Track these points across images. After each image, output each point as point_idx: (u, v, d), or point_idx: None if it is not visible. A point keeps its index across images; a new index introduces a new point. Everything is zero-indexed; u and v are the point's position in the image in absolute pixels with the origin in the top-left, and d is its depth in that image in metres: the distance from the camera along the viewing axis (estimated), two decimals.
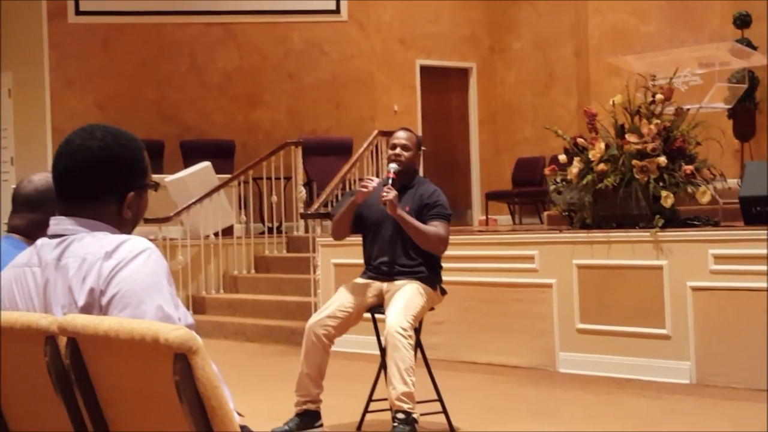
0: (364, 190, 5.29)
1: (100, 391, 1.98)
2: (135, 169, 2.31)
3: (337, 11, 13.63)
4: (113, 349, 1.89)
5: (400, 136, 5.45)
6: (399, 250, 5.29)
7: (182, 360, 1.76)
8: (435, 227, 5.23)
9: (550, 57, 13.87)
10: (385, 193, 5.17)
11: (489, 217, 13.15)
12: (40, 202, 3.13)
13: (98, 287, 2.12)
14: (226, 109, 13.35)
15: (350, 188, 10.21)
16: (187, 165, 11.81)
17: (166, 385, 1.79)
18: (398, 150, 5.40)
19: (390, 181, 5.27)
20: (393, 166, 5.38)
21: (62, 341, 2.00)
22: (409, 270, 5.25)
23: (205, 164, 11.13)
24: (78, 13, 13.03)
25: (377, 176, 8.00)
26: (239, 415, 2.27)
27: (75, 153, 2.26)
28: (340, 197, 9.53)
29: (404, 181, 5.39)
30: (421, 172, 12.26)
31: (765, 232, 6.16)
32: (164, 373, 1.78)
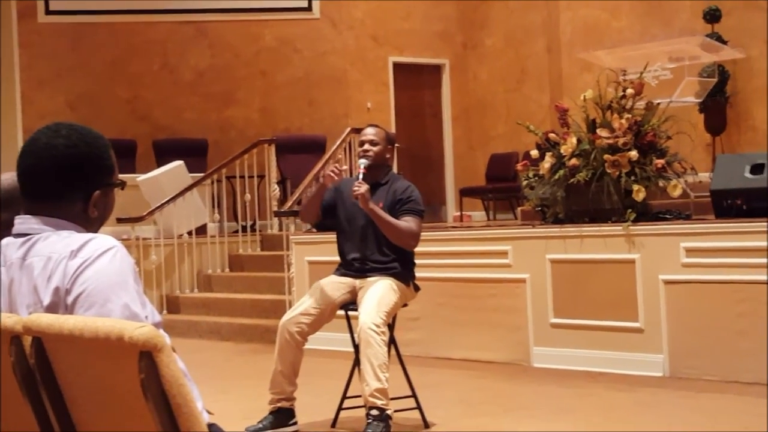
0: (332, 174, 5.25)
1: (65, 391, 1.96)
2: (101, 167, 2.29)
3: (309, 9, 13.61)
4: (78, 348, 1.87)
5: (368, 132, 5.45)
6: (372, 247, 5.29)
7: (147, 358, 1.75)
8: (407, 222, 5.23)
9: (522, 53, 13.90)
10: (356, 188, 5.17)
11: (463, 213, 13.18)
12: (7, 202, 3.11)
13: (63, 286, 2.11)
14: (198, 108, 13.31)
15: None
16: (159, 164, 11.76)
17: (131, 383, 1.78)
18: (366, 146, 5.40)
19: (361, 176, 5.27)
20: (363, 161, 5.37)
21: (27, 341, 1.98)
22: (382, 266, 5.24)
23: (178, 163, 11.09)
24: (48, 12, 12.96)
25: (350, 175, 7.99)
26: (208, 413, 2.26)
27: (40, 151, 2.24)
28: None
29: (376, 177, 5.38)
30: (395, 169, 12.33)
31: (738, 224, 6.19)
32: (129, 371, 1.77)
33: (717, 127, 11.21)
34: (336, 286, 5.33)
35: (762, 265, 6.03)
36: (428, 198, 14.17)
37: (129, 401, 1.81)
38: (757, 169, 6.34)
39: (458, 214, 13.39)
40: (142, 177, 10.73)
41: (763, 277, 6.02)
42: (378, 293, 5.08)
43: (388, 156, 5.47)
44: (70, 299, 2.09)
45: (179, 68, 13.38)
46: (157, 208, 10.33)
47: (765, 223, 6.05)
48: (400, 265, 5.27)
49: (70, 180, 2.24)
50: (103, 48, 13.07)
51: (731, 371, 6.14)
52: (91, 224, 2.28)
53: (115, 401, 1.86)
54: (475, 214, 13.56)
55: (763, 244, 6.03)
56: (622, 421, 5.38)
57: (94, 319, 1.88)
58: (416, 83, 14.45)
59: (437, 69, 14.55)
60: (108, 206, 2.33)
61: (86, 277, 2.09)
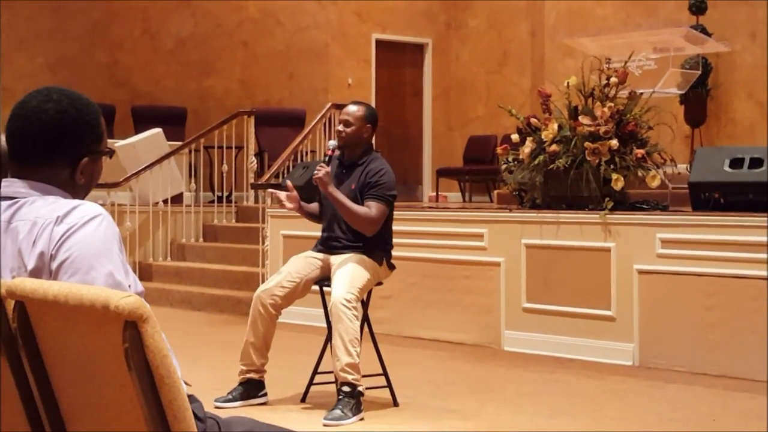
0: (278, 197, 5.29)
1: (47, 357, 1.95)
2: (90, 134, 2.27)
3: None
4: (62, 314, 1.86)
5: (345, 111, 5.39)
6: (344, 225, 5.27)
7: (132, 328, 1.74)
8: (368, 208, 5.18)
9: (505, 35, 13.90)
10: (317, 171, 5.15)
11: (439, 193, 13.19)
12: None
13: (48, 251, 2.09)
14: (178, 76, 13.24)
15: (302, 159, 10.17)
16: (138, 131, 11.71)
17: (114, 352, 1.77)
18: (340, 126, 5.36)
19: (328, 159, 5.25)
20: (332, 143, 5.36)
21: (10, 305, 1.96)
22: (354, 244, 5.24)
23: (156, 131, 11.04)
24: None
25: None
26: (186, 384, 2.25)
27: (30, 115, 2.22)
28: (291, 168, 9.51)
29: (353, 157, 5.35)
30: (373, 147, 12.29)
31: (714, 218, 6.23)
32: (113, 340, 1.76)
33: (697, 119, 11.27)
34: (311, 261, 5.33)
35: (734, 258, 6.08)
36: (404, 177, 14.19)
37: (111, 370, 1.80)
38: (736, 163, 6.38)
39: (434, 194, 13.41)
40: (119, 143, 10.67)
41: (734, 271, 6.06)
42: (350, 270, 5.09)
43: (365, 136, 5.39)
44: (54, 265, 2.08)
45: (160, 35, 13.29)
46: (134, 174, 10.29)
47: (741, 218, 6.09)
48: (373, 243, 5.26)
49: (58, 145, 2.22)
50: (84, 11, 12.95)
51: (700, 363, 6.20)
52: (78, 191, 2.26)
53: (97, 370, 1.85)
54: (451, 195, 13.57)
55: (738, 238, 6.07)
56: (587, 407, 5.41)
57: (79, 287, 1.87)
58: (398, 61, 14.42)
59: (419, 48, 14.52)
60: (95, 174, 2.31)
61: (71, 244, 2.08)
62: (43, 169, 2.22)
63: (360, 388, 4.97)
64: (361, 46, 13.91)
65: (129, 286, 2.15)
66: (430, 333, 7.56)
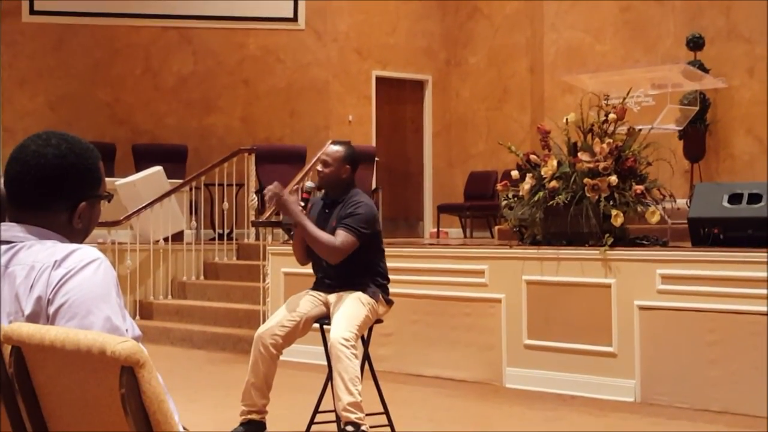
0: (272, 190, 5.24)
1: (44, 402, 1.95)
2: (88, 178, 2.28)
3: (295, 19, 13.62)
4: (59, 359, 1.86)
5: (324, 151, 5.40)
6: (336, 266, 5.26)
7: (129, 373, 1.75)
8: (335, 236, 5.17)
9: (505, 72, 13.96)
10: (268, 190, 5.16)
11: (440, 229, 13.18)
12: None
13: (46, 296, 2.09)
14: (179, 114, 13.29)
15: (301, 197, 10.16)
16: (138, 169, 11.74)
17: (111, 397, 1.77)
18: (319, 166, 5.37)
19: (305, 202, 5.25)
20: (309, 184, 5.35)
21: (7, 350, 1.97)
22: (349, 282, 5.23)
23: (157, 169, 11.06)
24: (32, 12, 12.92)
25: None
26: (185, 429, 2.25)
27: (29, 159, 2.23)
28: None
29: (335, 195, 5.36)
30: (374, 183, 12.34)
31: (714, 253, 6.23)
32: (110, 385, 1.77)
33: (696, 154, 11.29)
34: (310, 299, 5.33)
35: (734, 294, 6.07)
36: (406, 213, 14.22)
37: (108, 415, 1.80)
38: (735, 198, 6.39)
39: (435, 230, 13.40)
40: (120, 181, 10.70)
41: (735, 307, 6.05)
42: (347, 308, 5.08)
43: (344, 176, 5.36)
44: (51, 309, 2.08)
45: (161, 73, 13.36)
46: (134, 212, 10.30)
47: (740, 253, 6.09)
48: (368, 279, 5.26)
49: (56, 190, 2.23)
50: (86, 50, 13.03)
51: (702, 400, 6.17)
52: (76, 235, 2.27)
53: (94, 415, 1.85)
54: (452, 231, 13.57)
55: (737, 273, 6.06)
56: None
57: (76, 331, 1.87)
58: (398, 98, 14.48)
59: (420, 85, 14.58)
60: (93, 218, 2.32)
61: (69, 288, 2.08)
62: (41, 213, 2.23)
63: (364, 427, 4.95)
64: (361, 83, 13.98)
65: (126, 330, 2.15)
66: (432, 370, 7.54)
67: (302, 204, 5.26)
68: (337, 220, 5.25)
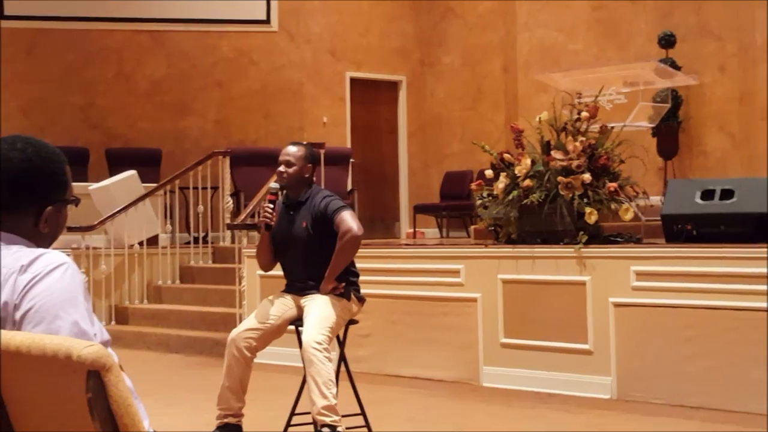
0: (266, 221, 5.26)
1: (10, 407, 1.93)
2: (55, 182, 2.27)
3: (268, 21, 13.60)
4: (25, 365, 1.85)
5: (285, 152, 5.37)
6: (307, 268, 5.25)
7: (95, 377, 1.73)
8: (339, 222, 5.14)
9: (479, 72, 13.99)
10: (268, 214, 5.16)
11: (417, 230, 13.19)
12: None
13: (12, 301, 2.07)
14: (153, 117, 13.24)
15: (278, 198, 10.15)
16: (112, 173, 11.68)
17: (78, 402, 1.75)
18: (282, 167, 5.35)
19: (273, 204, 5.25)
20: (273, 185, 5.34)
21: None
22: (319, 284, 5.21)
23: (131, 173, 11.01)
24: (3, 17, 12.84)
25: None
26: None
27: None
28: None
29: (297, 195, 5.35)
30: (349, 185, 12.34)
31: (687, 249, 6.26)
32: (77, 390, 1.75)
33: (669, 151, 11.36)
34: (283, 302, 5.31)
35: (708, 290, 6.09)
36: (382, 214, 14.21)
37: (75, 420, 1.79)
38: (707, 194, 6.42)
39: (411, 230, 13.41)
40: (93, 186, 10.64)
41: (709, 302, 6.08)
42: (318, 311, 5.07)
43: (306, 175, 5.36)
44: (18, 315, 2.06)
45: (135, 77, 13.31)
46: (109, 217, 10.25)
47: (713, 249, 6.12)
48: (340, 278, 5.24)
49: (22, 194, 2.21)
50: (58, 54, 12.96)
51: (678, 395, 6.20)
52: (42, 240, 2.25)
53: (61, 420, 1.83)
54: (429, 231, 13.58)
55: (711, 269, 6.09)
56: None
57: (42, 336, 1.85)
58: (373, 99, 14.48)
59: (394, 85, 14.59)
60: (60, 223, 2.30)
61: (36, 293, 2.06)
62: (7, 217, 2.21)
63: (339, 429, 4.94)
64: (335, 85, 13.98)
65: (95, 334, 2.13)
66: (410, 371, 7.54)
67: (270, 206, 5.25)
68: (310, 223, 5.24)
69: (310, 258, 5.26)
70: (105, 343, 2.05)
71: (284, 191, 5.43)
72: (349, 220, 5.17)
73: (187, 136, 13.27)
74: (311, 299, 5.18)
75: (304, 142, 5.62)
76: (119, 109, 13.16)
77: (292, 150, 5.36)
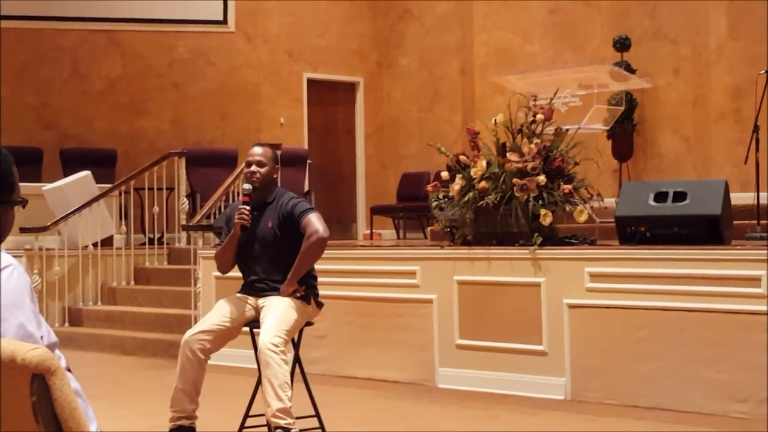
0: (243, 221, 5.23)
1: None
2: (1, 183, 2.24)
3: (225, 22, 13.54)
4: None
5: (255, 153, 5.36)
6: (267, 268, 5.24)
7: (40, 381, 1.71)
8: (306, 225, 5.15)
9: (436, 73, 14.02)
10: (245, 215, 5.16)
11: (374, 231, 13.19)
12: None
13: None
14: (108, 117, 13.13)
15: (234, 200, 10.12)
16: (66, 173, 11.57)
17: (23, 405, 1.73)
18: (254, 167, 5.32)
19: (247, 205, 5.23)
20: (247, 186, 5.31)
21: None
22: (279, 285, 5.20)
23: (85, 173, 10.91)
24: None
25: None
26: None
27: None
28: (223, 209, 9.46)
29: (264, 196, 5.34)
30: (306, 186, 12.33)
31: (640, 251, 6.31)
32: (21, 393, 1.73)
33: (624, 153, 11.44)
34: (240, 303, 5.29)
35: (661, 291, 6.15)
36: (339, 215, 14.20)
37: (20, 424, 1.76)
38: (660, 197, 6.47)
39: (368, 231, 13.41)
40: (47, 186, 10.54)
41: (662, 303, 6.13)
42: (277, 313, 5.04)
43: (275, 176, 5.39)
44: None
45: (90, 76, 13.19)
46: (62, 218, 10.15)
47: (666, 250, 6.18)
48: (299, 283, 5.24)
49: None
50: (12, 54, 12.82)
51: (630, 396, 6.24)
52: None
53: (5, 423, 1.81)
54: (386, 233, 13.59)
55: (663, 270, 6.14)
56: None
57: None
58: (330, 100, 14.47)
59: (351, 86, 14.59)
60: (7, 224, 2.27)
61: None
62: None
63: (294, 431, 4.93)
64: (293, 85, 13.95)
65: (42, 337, 2.11)
66: (366, 372, 7.54)
67: (247, 208, 5.22)
68: (275, 223, 5.22)
69: (273, 259, 5.24)
70: (52, 346, 2.04)
71: (243, 192, 5.40)
72: (315, 222, 5.18)
73: (142, 136, 13.18)
74: (270, 300, 5.16)
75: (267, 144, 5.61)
76: (74, 109, 13.04)
77: (264, 150, 5.37)
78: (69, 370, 2.12)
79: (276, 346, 4.89)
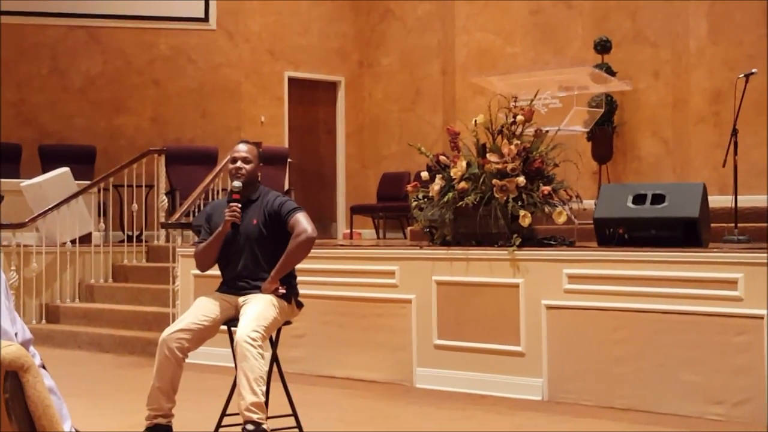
0: (235, 219, 5.22)
1: None
2: None
3: (206, 19, 13.51)
4: None
5: (241, 149, 5.37)
6: (250, 266, 5.23)
7: (13, 378, 1.71)
8: (298, 227, 5.15)
9: (417, 74, 14.03)
10: (237, 212, 5.15)
11: (353, 230, 13.19)
12: None
13: None
14: (88, 114, 13.07)
15: (213, 198, 10.10)
16: (45, 170, 11.51)
17: None
18: (239, 164, 5.33)
19: (237, 203, 5.22)
20: (237, 184, 5.30)
21: None
22: (261, 284, 5.20)
23: (64, 170, 10.86)
24: None
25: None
26: None
27: None
28: (202, 207, 9.43)
29: (248, 194, 5.34)
30: (286, 185, 12.31)
31: (618, 253, 6.33)
32: None
33: (604, 155, 11.49)
34: (219, 302, 5.27)
35: (638, 293, 6.17)
36: (319, 214, 14.18)
37: None
38: (639, 199, 6.49)
39: (348, 231, 13.41)
40: (25, 182, 10.49)
41: (640, 305, 6.15)
42: (256, 309, 5.04)
43: (259, 173, 5.41)
44: None
45: (69, 73, 13.13)
46: (40, 214, 10.11)
47: (644, 253, 6.20)
48: (283, 280, 5.23)
49: None
50: None
51: (607, 397, 6.26)
52: None
53: None
54: (366, 232, 13.59)
55: (641, 272, 6.16)
56: None
57: None
58: (311, 99, 14.46)
59: (332, 86, 14.58)
60: None
61: None
62: None
63: (264, 426, 4.91)
64: (274, 84, 13.93)
65: (16, 334, 2.10)
66: (344, 372, 7.53)
67: (238, 205, 5.21)
68: (261, 221, 5.22)
69: (257, 257, 5.23)
70: (27, 342, 2.03)
71: (232, 190, 5.38)
72: (304, 222, 5.18)
73: (122, 133, 13.13)
74: (250, 298, 5.15)
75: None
76: (53, 106, 12.98)
77: (249, 147, 5.39)
78: (43, 367, 2.11)
79: (254, 340, 4.87)
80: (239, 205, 5.23)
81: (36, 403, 1.71)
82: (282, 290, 5.16)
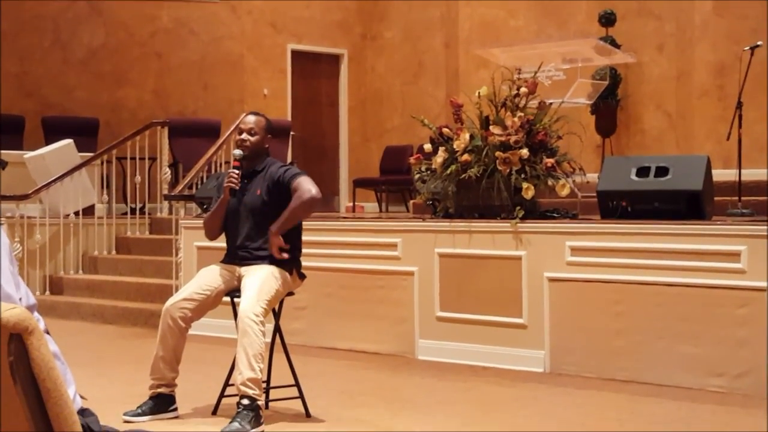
0: (232, 185, 5.23)
1: None
2: None
3: None
4: None
5: (247, 121, 5.39)
6: (253, 236, 5.25)
7: (17, 340, 1.71)
8: (300, 189, 5.16)
9: (420, 47, 13.99)
10: (234, 178, 5.16)
11: (356, 204, 13.20)
12: None
13: None
14: (90, 87, 13.05)
15: (216, 170, 10.10)
16: (48, 142, 11.50)
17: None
18: (244, 135, 5.34)
19: (237, 170, 5.23)
20: (237, 152, 5.32)
21: None
22: (264, 254, 5.21)
23: (67, 142, 10.86)
24: None
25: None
26: (82, 398, 2.22)
27: None
28: (205, 179, 9.44)
29: (254, 164, 5.35)
30: (289, 158, 12.29)
31: (621, 226, 6.33)
32: None
33: (607, 128, 11.46)
34: (221, 272, 5.29)
35: (641, 266, 6.17)
36: (322, 187, 14.12)
37: None
38: (642, 172, 6.48)
39: (351, 204, 13.41)
40: (29, 154, 10.49)
41: (641, 278, 6.16)
42: (259, 281, 5.05)
43: (266, 145, 5.41)
44: None
45: (71, 45, 13.09)
46: (44, 186, 10.11)
47: (647, 225, 6.20)
48: (288, 245, 5.23)
49: None
50: None
51: (608, 369, 6.28)
52: None
53: None
54: (368, 206, 13.59)
55: (644, 245, 6.17)
56: (499, 415, 5.45)
57: None
58: (314, 72, 14.42)
59: (335, 59, 14.54)
60: None
61: None
62: None
63: (259, 402, 4.92)
64: (276, 57, 13.89)
65: (20, 299, 2.10)
66: (346, 343, 7.55)
67: (236, 171, 5.23)
68: (264, 191, 5.23)
69: (259, 226, 5.24)
70: (31, 308, 2.03)
71: (244, 159, 5.38)
72: (308, 183, 5.21)
73: (124, 106, 13.11)
74: (252, 269, 5.16)
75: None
76: (55, 78, 12.95)
77: (256, 119, 5.40)
78: (48, 333, 2.11)
79: (256, 315, 4.89)
80: (237, 172, 5.24)
81: (40, 366, 1.71)
82: (285, 255, 5.14)
